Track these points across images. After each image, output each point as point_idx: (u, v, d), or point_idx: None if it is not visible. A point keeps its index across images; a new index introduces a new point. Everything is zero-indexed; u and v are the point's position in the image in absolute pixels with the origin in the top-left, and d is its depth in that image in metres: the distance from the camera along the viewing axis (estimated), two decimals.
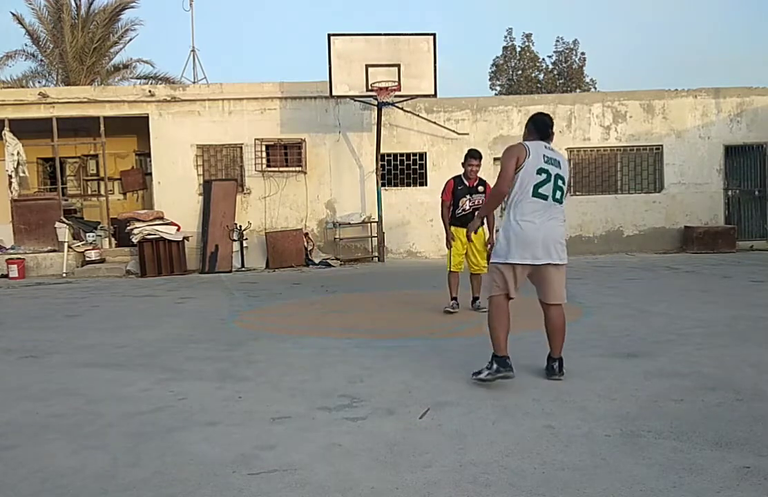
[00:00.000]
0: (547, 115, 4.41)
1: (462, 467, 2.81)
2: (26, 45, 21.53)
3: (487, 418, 3.43)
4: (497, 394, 3.85)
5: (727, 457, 2.81)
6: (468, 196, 7.00)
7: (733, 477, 2.62)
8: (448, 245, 7.13)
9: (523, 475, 2.70)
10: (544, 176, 4.12)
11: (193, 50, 18.33)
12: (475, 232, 5.48)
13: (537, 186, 4.10)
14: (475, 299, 7.13)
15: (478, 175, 7.05)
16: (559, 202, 4.21)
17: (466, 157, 7.07)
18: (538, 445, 3.02)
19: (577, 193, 14.31)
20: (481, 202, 6.88)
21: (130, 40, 22.40)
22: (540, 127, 4.32)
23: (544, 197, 4.12)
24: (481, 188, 7.02)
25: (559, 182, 4.18)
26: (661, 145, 14.32)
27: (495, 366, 4.02)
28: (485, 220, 5.91)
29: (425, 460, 2.89)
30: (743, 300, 7.34)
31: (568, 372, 4.27)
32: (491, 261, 4.32)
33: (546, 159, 4.18)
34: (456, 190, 7.07)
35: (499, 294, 4.22)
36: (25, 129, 13.68)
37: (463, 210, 6.98)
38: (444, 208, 7.21)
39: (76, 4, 21.19)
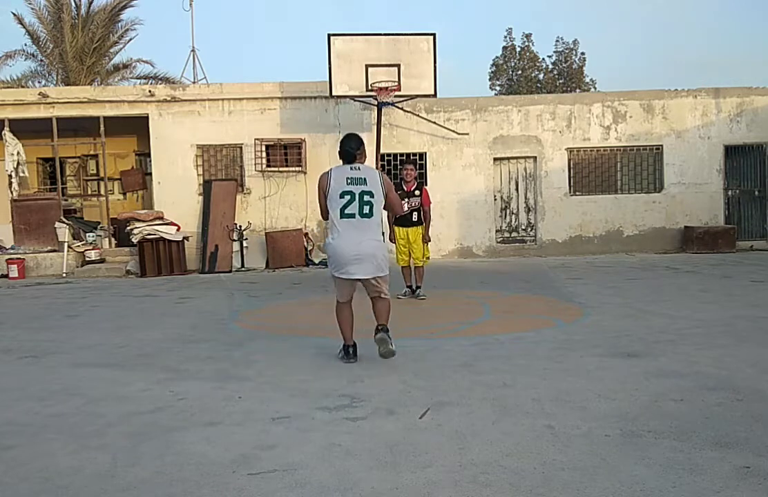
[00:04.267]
0: (352, 138, 4.83)
1: (462, 467, 2.81)
2: (26, 45, 21.54)
3: (487, 418, 3.43)
4: (497, 394, 3.85)
5: (727, 457, 2.81)
6: (406, 200, 7.79)
7: (733, 477, 2.62)
8: (392, 240, 8.11)
9: (523, 475, 2.70)
10: (347, 198, 4.59)
11: (193, 50, 18.31)
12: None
13: (343, 208, 4.60)
14: (417, 287, 8.08)
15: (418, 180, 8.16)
16: (368, 216, 4.62)
17: (404, 163, 8.29)
18: (538, 445, 3.02)
19: (577, 193, 14.31)
20: (417, 204, 7.93)
21: (130, 39, 22.42)
22: (343, 154, 4.80)
23: (351, 216, 4.59)
24: (417, 192, 7.98)
25: (365, 197, 4.61)
26: (661, 145, 14.32)
27: (345, 353, 4.83)
28: (423, 219, 7.92)
29: (425, 460, 2.89)
30: (743, 300, 7.35)
31: (568, 372, 4.28)
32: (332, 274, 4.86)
33: (349, 180, 4.63)
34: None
35: (342, 300, 4.87)
36: (25, 129, 13.67)
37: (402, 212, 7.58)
38: None
39: (76, 4, 21.20)
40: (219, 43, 52.55)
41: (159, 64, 52.24)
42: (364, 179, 4.65)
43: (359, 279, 4.71)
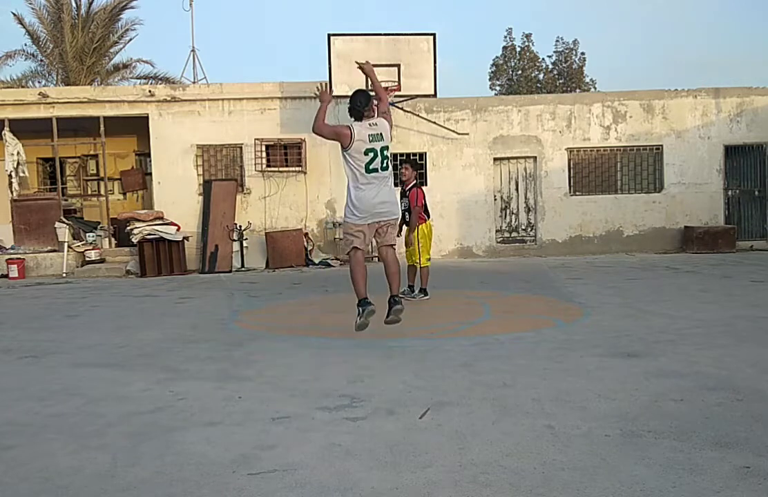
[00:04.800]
0: (360, 94, 5.20)
1: (462, 467, 2.81)
2: (26, 45, 21.52)
3: (487, 418, 3.43)
4: (497, 394, 3.85)
5: (727, 457, 2.81)
6: (402, 199, 7.80)
7: (733, 477, 2.62)
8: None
9: (523, 475, 2.70)
10: (371, 155, 4.98)
11: (193, 50, 18.26)
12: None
13: (368, 164, 4.98)
14: (421, 289, 8.06)
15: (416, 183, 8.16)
16: (386, 169, 5.09)
17: (402, 163, 8.35)
18: (538, 445, 3.02)
19: (577, 193, 14.31)
20: (406, 206, 7.92)
21: (130, 40, 22.40)
22: (353, 112, 5.13)
23: (375, 170, 5.01)
24: (407, 195, 7.96)
25: (385, 152, 5.05)
26: (661, 145, 14.32)
27: (360, 308, 5.03)
28: (408, 221, 7.91)
29: (425, 460, 2.89)
30: (743, 300, 7.35)
31: (568, 372, 4.28)
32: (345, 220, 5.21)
33: (371, 137, 5.00)
34: None
35: (360, 247, 5.14)
36: (25, 129, 13.67)
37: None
38: None
39: (76, 4, 21.18)
40: (219, 43, 52.56)
41: (159, 64, 52.21)
42: (381, 135, 5.05)
43: (378, 223, 5.09)
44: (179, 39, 53.14)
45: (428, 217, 8.15)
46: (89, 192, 16.36)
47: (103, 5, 21.19)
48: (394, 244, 5.27)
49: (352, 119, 5.13)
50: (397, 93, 12.18)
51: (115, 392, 4.19)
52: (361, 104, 5.10)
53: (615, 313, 6.59)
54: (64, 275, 12.43)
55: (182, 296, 9.27)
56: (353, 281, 5.11)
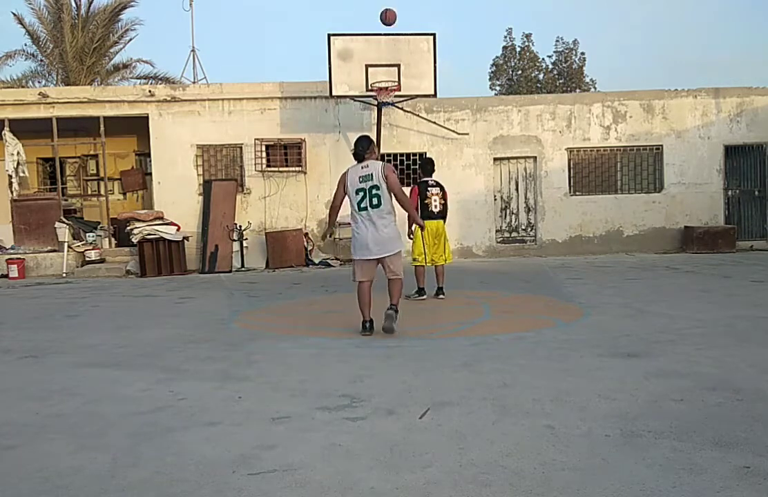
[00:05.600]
0: (362, 140, 5.76)
1: (462, 467, 2.81)
2: (26, 45, 21.53)
3: (487, 418, 3.43)
4: (497, 394, 3.85)
5: (727, 457, 2.81)
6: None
7: (733, 477, 2.62)
8: (410, 236, 8.16)
9: (523, 475, 2.70)
10: (361, 194, 5.58)
11: (193, 50, 18.29)
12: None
13: (359, 203, 5.61)
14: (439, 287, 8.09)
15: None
16: (378, 206, 5.58)
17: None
18: (538, 445, 3.02)
19: (577, 193, 14.31)
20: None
21: (130, 40, 22.41)
22: (355, 155, 5.76)
23: (365, 209, 5.61)
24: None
25: (373, 191, 5.56)
26: (661, 145, 14.32)
27: (364, 325, 5.75)
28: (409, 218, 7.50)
29: (425, 460, 2.89)
30: (743, 300, 7.35)
31: (568, 372, 4.28)
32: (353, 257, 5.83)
33: (361, 179, 5.60)
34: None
35: (363, 280, 5.76)
36: (25, 129, 13.67)
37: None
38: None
39: (76, 4, 21.19)
40: (219, 43, 52.57)
41: (159, 64, 52.28)
42: (371, 175, 5.58)
43: (376, 259, 5.69)
44: (179, 39, 53.18)
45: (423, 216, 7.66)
46: (89, 192, 16.36)
47: (103, 5, 21.22)
48: (397, 276, 5.82)
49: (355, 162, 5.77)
50: (397, 93, 12.18)
51: (115, 392, 4.19)
52: (362, 148, 5.70)
53: (615, 313, 6.59)
54: (64, 275, 12.44)
55: (182, 296, 9.27)
56: (359, 305, 5.81)
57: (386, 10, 7.17)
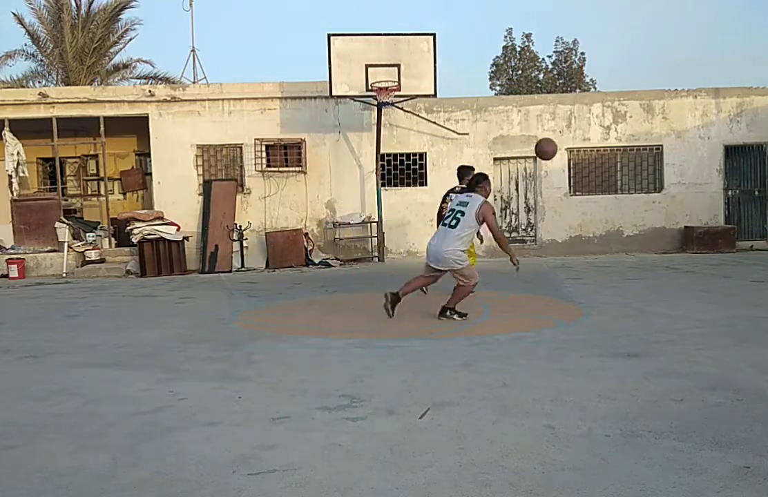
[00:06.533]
0: (464, 169, 7.54)
1: (462, 467, 2.81)
2: (26, 45, 21.51)
3: (487, 418, 3.43)
4: (497, 394, 3.85)
5: (727, 457, 2.81)
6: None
7: (733, 477, 2.62)
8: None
9: (523, 475, 2.70)
10: (452, 213, 6.39)
11: (193, 50, 18.30)
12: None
13: (445, 217, 6.49)
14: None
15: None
16: (453, 227, 6.26)
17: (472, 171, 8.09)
18: (538, 445, 3.02)
19: (577, 193, 14.31)
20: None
21: (130, 39, 22.40)
22: (459, 178, 7.27)
23: (445, 225, 6.41)
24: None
25: (458, 215, 6.29)
26: (661, 145, 14.32)
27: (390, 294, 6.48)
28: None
29: (425, 460, 2.89)
30: (743, 300, 7.35)
31: (568, 372, 4.28)
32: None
33: (458, 202, 6.47)
34: None
35: (423, 273, 6.74)
36: (25, 129, 13.67)
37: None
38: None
39: (76, 4, 21.18)
40: (219, 43, 52.56)
41: (159, 64, 52.28)
42: (467, 203, 6.35)
43: (435, 267, 6.40)
44: (179, 39, 53.16)
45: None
46: (89, 192, 16.36)
47: (103, 5, 21.21)
48: (460, 283, 6.40)
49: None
50: (397, 93, 12.18)
51: (115, 392, 4.19)
52: (474, 182, 6.59)
53: (615, 313, 6.59)
54: (64, 275, 12.43)
55: (182, 296, 9.27)
56: (409, 282, 6.63)
57: (544, 141, 6.66)
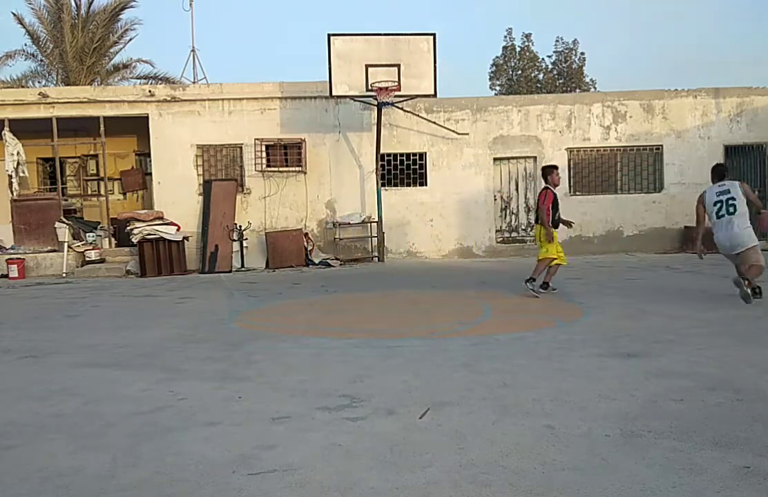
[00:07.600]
0: (718, 167, 7.52)
1: (462, 467, 2.81)
2: (26, 45, 21.53)
3: (487, 418, 3.43)
4: (497, 394, 3.85)
5: (727, 457, 2.81)
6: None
7: (733, 477, 2.62)
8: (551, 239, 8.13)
9: (523, 475, 2.70)
10: (718, 206, 7.06)
11: (193, 50, 18.32)
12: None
13: (717, 212, 7.08)
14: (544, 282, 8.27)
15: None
16: (733, 213, 6.95)
17: (554, 169, 8.33)
18: (538, 445, 3.02)
19: (577, 193, 14.31)
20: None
21: (130, 39, 22.41)
22: (714, 175, 7.39)
23: (722, 216, 7.04)
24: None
25: (730, 201, 6.99)
26: (661, 145, 14.33)
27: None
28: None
29: (425, 460, 2.89)
30: None
31: (568, 372, 4.28)
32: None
33: (717, 193, 7.10)
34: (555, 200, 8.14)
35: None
36: (25, 129, 13.68)
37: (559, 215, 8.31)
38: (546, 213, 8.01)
39: (76, 4, 21.19)
40: (219, 43, 52.55)
41: (159, 64, 52.27)
42: (728, 190, 7.02)
43: (738, 251, 6.92)
44: (179, 39, 53.08)
45: (537, 220, 8.25)
46: (89, 192, 16.36)
47: (103, 5, 21.22)
48: (756, 263, 6.79)
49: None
50: (397, 93, 12.19)
51: (115, 392, 4.19)
52: (717, 172, 7.36)
53: (615, 313, 6.59)
54: (64, 275, 12.44)
55: (182, 296, 9.27)
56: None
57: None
